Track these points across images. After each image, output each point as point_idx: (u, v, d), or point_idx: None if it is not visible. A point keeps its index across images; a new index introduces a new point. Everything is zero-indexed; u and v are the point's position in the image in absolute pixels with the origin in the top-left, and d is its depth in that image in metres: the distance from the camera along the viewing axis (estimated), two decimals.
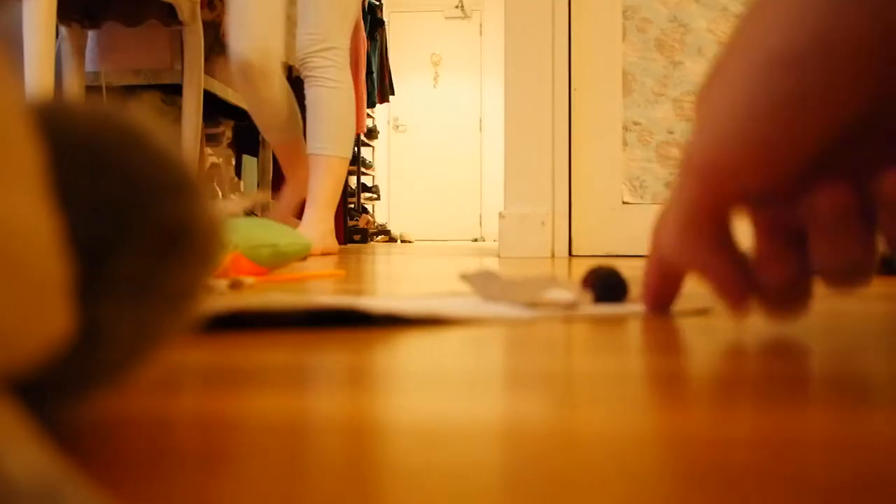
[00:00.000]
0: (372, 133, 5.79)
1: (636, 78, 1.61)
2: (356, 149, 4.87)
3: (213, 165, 2.70)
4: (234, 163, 2.94)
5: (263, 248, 0.67)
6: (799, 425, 0.21)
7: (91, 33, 2.25)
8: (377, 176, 6.70)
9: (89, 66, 2.25)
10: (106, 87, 2.27)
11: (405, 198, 7.14)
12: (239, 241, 0.65)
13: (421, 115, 7.19)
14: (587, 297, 0.45)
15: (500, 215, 1.56)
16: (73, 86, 2.15)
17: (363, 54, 4.35)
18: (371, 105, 5.09)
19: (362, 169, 5.38)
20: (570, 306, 0.45)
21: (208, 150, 2.62)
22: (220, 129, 2.66)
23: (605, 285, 0.44)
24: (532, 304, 0.45)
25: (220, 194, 2.73)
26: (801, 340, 0.37)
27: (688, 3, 1.60)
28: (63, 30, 2.14)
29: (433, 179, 7.13)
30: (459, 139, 7.08)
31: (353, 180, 5.47)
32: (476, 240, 6.54)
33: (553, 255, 1.56)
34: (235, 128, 3.00)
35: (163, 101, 2.30)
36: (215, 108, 2.66)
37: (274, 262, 0.68)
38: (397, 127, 7.33)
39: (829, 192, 0.32)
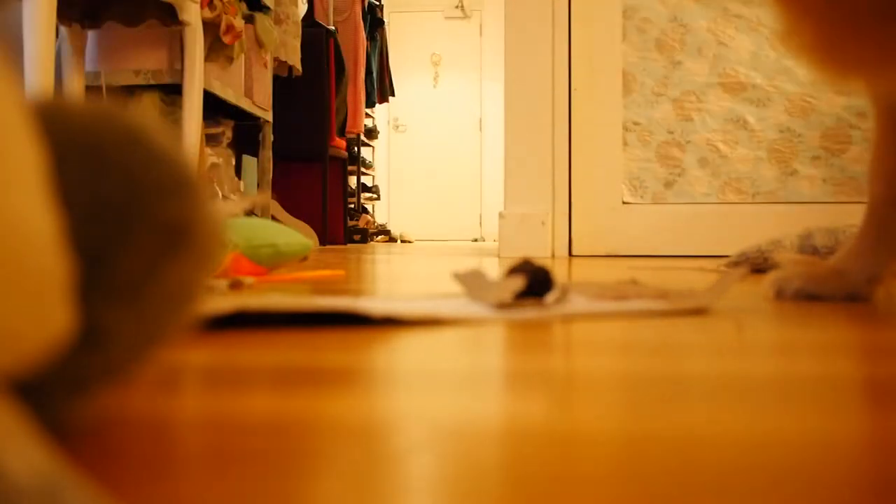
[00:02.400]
0: (372, 133, 5.79)
1: (636, 78, 1.61)
2: (356, 149, 4.87)
3: (213, 165, 2.70)
4: (234, 163, 2.94)
5: (263, 248, 0.67)
6: (788, 426, 0.21)
7: (91, 33, 2.25)
8: (377, 176, 6.69)
9: (89, 66, 2.25)
10: (106, 88, 2.27)
11: (405, 198, 7.15)
12: (239, 241, 0.65)
13: (421, 115, 7.18)
14: (517, 282, 0.46)
15: (500, 215, 1.56)
16: (74, 86, 2.15)
17: (362, 54, 4.34)
18: (371, 105, 5.09)
19: (362, 169, 5.37)
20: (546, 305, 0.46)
21: (208, 150, 2.62)
22: (220, 129, 2.66)
23: (536, 280, 0.46)
24: (503, 304, 0.45)
25: (220, 194, 2.72)
26: (798, 339, 0.37)
27: (688, 2, 1.60)
28: (63, 30, 2.14)
29: (433, 179, 7.13)
30: (459, 139, 7.08)
31: (353, 180, 5.47)
32: (476, 240, 6.54)
33: (553, 255, 1.56)
34: (235, 128, 3.00)
35: (163, 101, 2.30)
36: (215, 108, 2.66)
37: (273, 261, 0.68)
38: (397, 127, 7.33)
39: None
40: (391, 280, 0.58)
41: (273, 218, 3.55)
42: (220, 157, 2.74)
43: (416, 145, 7.19)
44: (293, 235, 0.71)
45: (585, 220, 1.60)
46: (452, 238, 6.78)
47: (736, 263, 0.85)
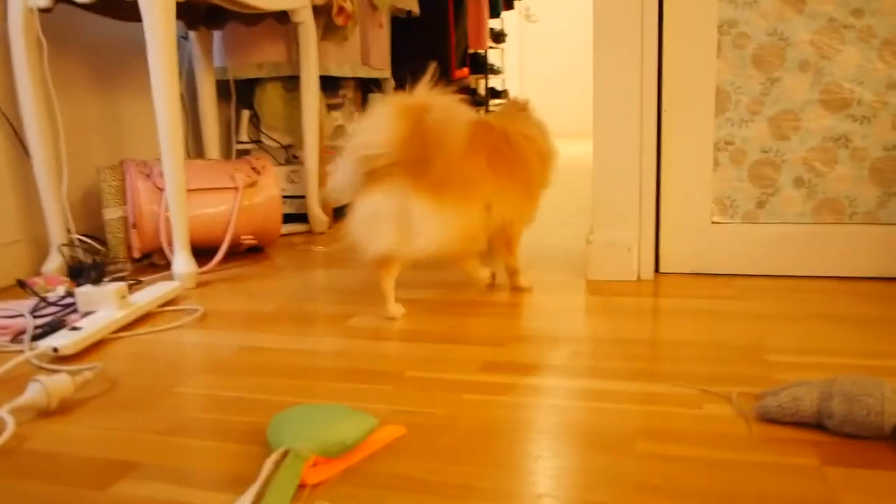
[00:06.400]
0: (500, 37, 5.71)
1: (730, 96, 1.58)
2: (483, 53, 4.85)
3: (338, 128, 2.86)
4: (357, 118, 3.08)
5: (334, 446, 0.83)
6: None
7: (216, 33, 2.41)
8: (507, 79, 6.60)
9: (217, 62, 2.43)
10: (234, 81, 2.45)
11: (539, 96, 7.03)
12: (312, 446, 0.81)
13: (555, 2, 6.91)
14: None
15: (588, 241, 1.64)
16: (205, 82, 2.34)
17: None
18: (496, 15, 5.01)
19: (490, 75, 5.35)
20: None
21: (333, 115, 2.78)
22: (340, 96, 2.80)
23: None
24: None
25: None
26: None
27: (790, 14, 1.53)
28: (191, 34, 2.31)
29: (570, 72, 6.93)
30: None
31: (481, 84, 5.47)
32: None
33: (639, 278, 1.63)
34: (356, 84, 3.12)
35: (284, 87, 2.45)
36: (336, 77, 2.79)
37: (342, 452, 0.84)
38: (528, 16, 7.11)
39: None
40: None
41: None
42: (343, 117, 2.90)
43: (550, 37, 6.99)
44: (357, 423, 0.86)
45: (673, 240, 1.64)
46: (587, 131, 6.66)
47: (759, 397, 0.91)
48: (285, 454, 0.79)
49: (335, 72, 2.51)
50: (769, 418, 0.91)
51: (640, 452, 0.84)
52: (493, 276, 1.61)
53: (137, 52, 2.20)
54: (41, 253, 1.87)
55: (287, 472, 0.77)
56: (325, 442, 0.82)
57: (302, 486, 0.78)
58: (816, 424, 0.88)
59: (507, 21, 6.74)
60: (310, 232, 2.39)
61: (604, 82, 1.58)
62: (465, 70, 4.03)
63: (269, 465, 0.77)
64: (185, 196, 1.68)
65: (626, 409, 0.96)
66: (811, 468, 0.80)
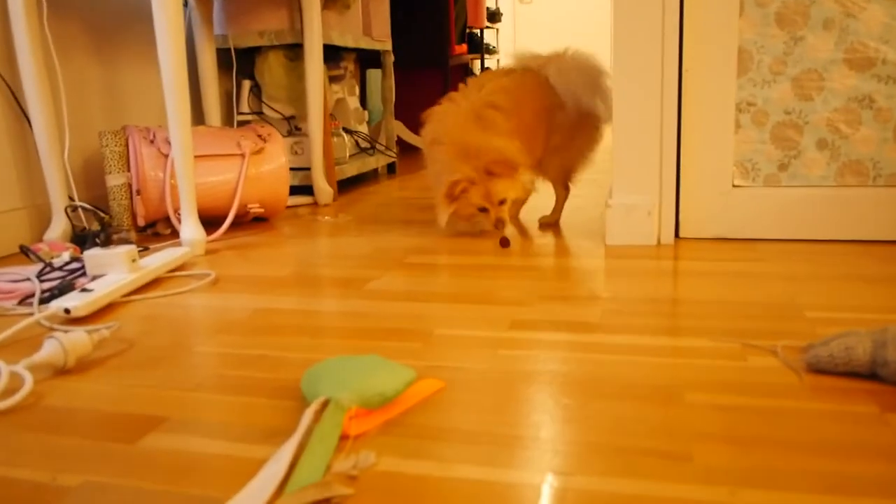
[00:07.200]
0: (495, 16, 5.64)
1: (753, 56, 1.55)
2: (478, 33, 4.80)
3: (339, 101, 2.80)
4: (357, 91, 3.03)
5: (374, 397, 0.79)
6: None
7: (216, 0, 2.35)
8: (502, 60, 6.53)
9: (217, 30, 2.37)
10: (234, 49, 2.39)
11: None
12: (352, 396, 0.78)
13: None
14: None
15: (607, 205, 1.60)
16: (205, 50, 2.28)
17: None
18: None
19: (486, 55, 5.30)
20: None
21: (334, 88, 2.72)
22: (342, 68, 2.74)
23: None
24: None
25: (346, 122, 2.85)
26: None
27: None
28: (191, 0, 2.25)
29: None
30: (593, 9, 6.73)
31: (476, 66, 5.42)
32: None
33: (659, 242, 1.60)
34: (357, 57, 3.06)
35: (286, 56, 2.40)
36: (337, 48, 2.73)
37: (382, 404, 0.80)
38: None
39: None
40: None
41: (398, 140, 3.65)
42: (343, 90, 2.84)
43: (543, 18, 6.92)
44: (396, 374, 0.83)
45: (694, 204, 1.61)
46: None
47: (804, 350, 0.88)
48: (325, 404, 0.75)
49: (338, 41, 2.45)
50: (819, 369, 0.88)
51: (692, 403, 0.81)
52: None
53: (138, 16, 2.14)
54: (43, 221, 1.81)
55: (329, 421, 0.73)
56: (365, 393, 0.78)
57: (344, 437, 0.74)
58: (869, 374, 0.85)
59: (501, 1, 6.67)
60: (315, 204, 2.34)
61: (624, 42, 1.54)
62: (464, 46, 3.98)
63: (309, 414, 0.73)
64: (193, 161, 1.63)
65: (667, 363, 0.93)
66: (872, 415, 0.77)
